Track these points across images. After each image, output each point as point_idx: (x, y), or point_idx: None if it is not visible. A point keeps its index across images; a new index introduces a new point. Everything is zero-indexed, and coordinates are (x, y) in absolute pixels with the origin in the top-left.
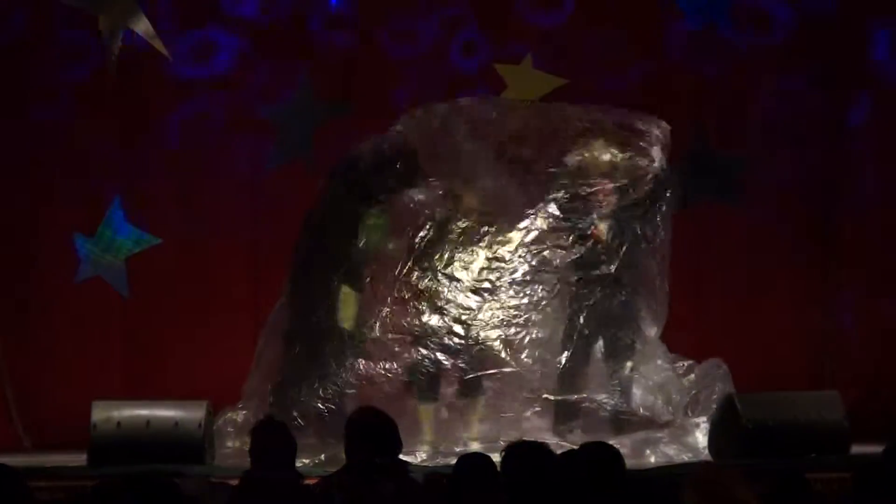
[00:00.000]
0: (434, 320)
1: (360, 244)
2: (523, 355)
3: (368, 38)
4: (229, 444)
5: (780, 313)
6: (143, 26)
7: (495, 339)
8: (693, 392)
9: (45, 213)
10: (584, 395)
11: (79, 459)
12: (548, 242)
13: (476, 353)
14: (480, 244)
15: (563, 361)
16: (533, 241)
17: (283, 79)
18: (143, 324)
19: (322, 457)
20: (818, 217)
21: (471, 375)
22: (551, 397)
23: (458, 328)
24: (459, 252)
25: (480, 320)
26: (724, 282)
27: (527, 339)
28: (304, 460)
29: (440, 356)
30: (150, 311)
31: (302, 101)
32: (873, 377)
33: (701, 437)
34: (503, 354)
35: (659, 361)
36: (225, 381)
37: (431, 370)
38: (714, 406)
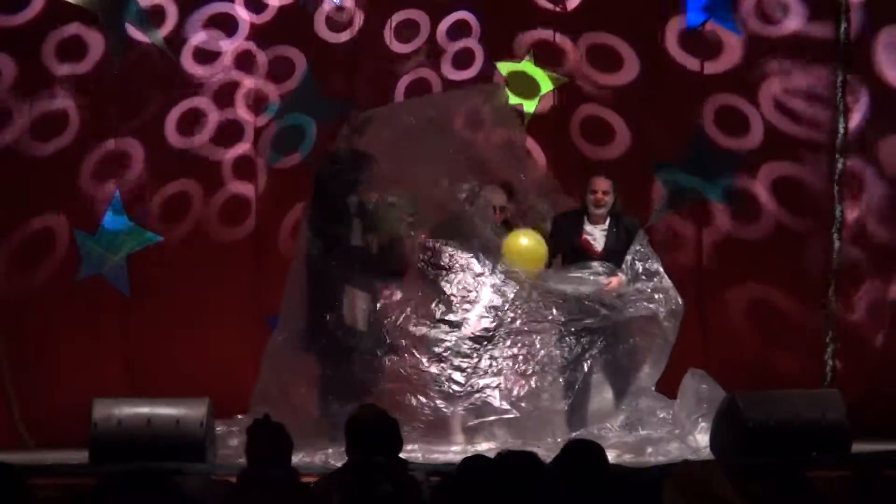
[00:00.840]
0: (433, 368)
1: (357, 241)
2: (523, 403)
3: (371, 34)
4: (231, 442)
5: (781, 311)
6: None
7: (495, 388)
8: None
9: (46, 211)
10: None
11: (80, 457)
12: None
13: (475, 401)
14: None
15: (566, 406)
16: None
17: (285, 74)
18: (144, 321)
19: (325, 454)
20: (819, 213)
21: (472, 422)
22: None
23: (457, 376)
24: (456, 300)
25: (480, 368)
26: (723, 280)
27: (525, 388)
28: (305, 458)
29: (440, 403)
30: (151, 308)
31: (304, 98)
32: (874, 376)
33: (701, 437)
34: (502, 403)
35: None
36: (226, 378)
37: (431, 417)
38: (706, 406)
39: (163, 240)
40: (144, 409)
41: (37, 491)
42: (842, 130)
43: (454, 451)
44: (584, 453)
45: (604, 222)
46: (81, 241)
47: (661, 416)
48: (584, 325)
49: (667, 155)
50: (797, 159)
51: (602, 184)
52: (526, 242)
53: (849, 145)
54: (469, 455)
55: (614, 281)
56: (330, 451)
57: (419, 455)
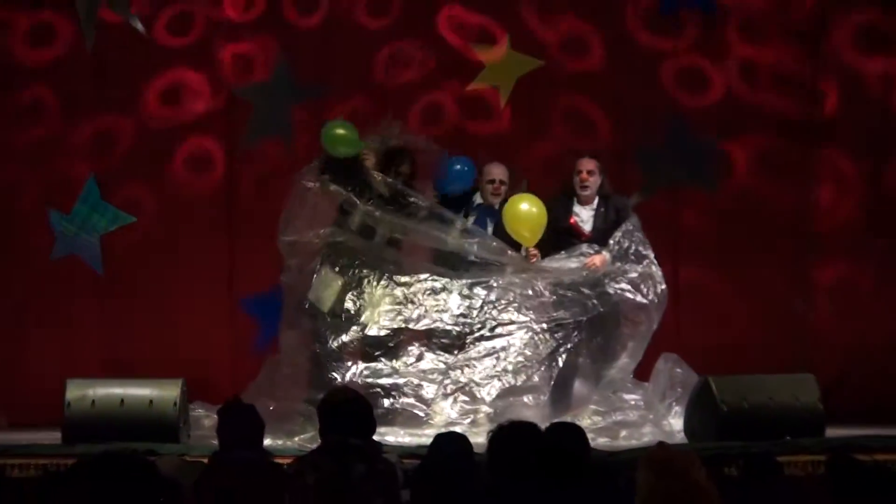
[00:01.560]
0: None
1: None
2: (500, 401)
3: (345, 16)
4: (206, 423)
5: (755, 297)
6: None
7: (467, 387)
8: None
9: (20, 191)
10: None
11: (53, 437)
12: (513, 296)
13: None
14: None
15: (544, 398)
16: (497, 298)
17: (260, 56)
18: (118, 302)
19: (301, 437)
20: (793, 200)
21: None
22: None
23: (427, 385)
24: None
25: (452, 376)
26: (700, 266)
27: (498, 386)
28: (278, 441)
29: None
30: (125, 289)
31: (278, 80)
32: (848, 360)
33: (675, 421)
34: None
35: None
36: (201, 359)
37: (409, 412)
38: (680, 389)
39: (136, 220)
40: (118, 390)
41: (10, 471)
42: (819, 112)
43: (426, 435)
44: (566, 436)
45: (592, 203)
46: (55, 221)
47: (635, 400)
48: (565, 319)
49: (644, 139)
50: (773, 140)
51: (587, 164)
52: (526, 207)
53: (823, 126)
54: (442, 432)
55: (597, 259)
56: (307, 435)
57: (390, 438)
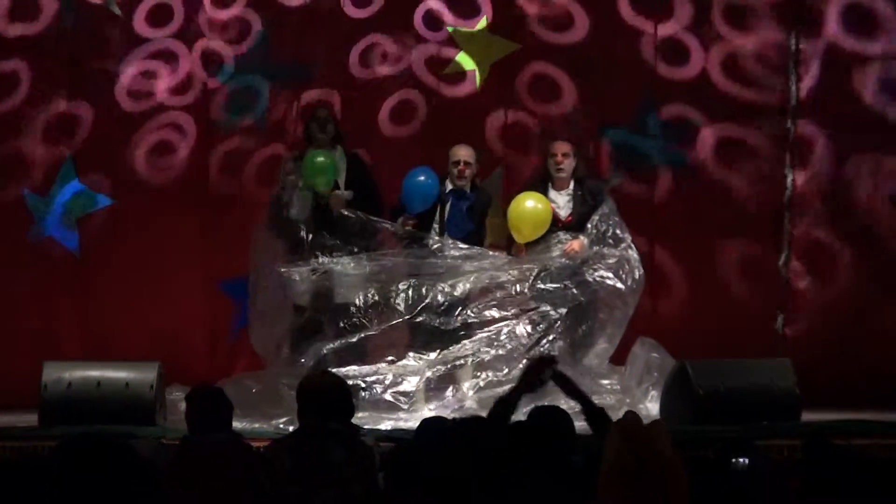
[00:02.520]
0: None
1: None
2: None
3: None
4: (183, 407)
5: (732, 280)
6: None
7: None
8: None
9: None
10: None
11: (29, 419)
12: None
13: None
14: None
15: None
16: (478, 294)
17: (238, 38)
18: (94, 284)
19: (278, 420)
20: (772, 180)
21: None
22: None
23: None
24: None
25: (432, 372)
26: (676, 248)
27: (482, 377)
28: (255, 424)
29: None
30: (101, 271)
31: (255, 61)
32: (825, 345)
33: (652, 405)
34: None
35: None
36: (177, 341)
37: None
38: (657, 374)
39: (114, 202)
40: (94, 373)
41: None
42: (793, 94)
43: (402, 419)
44: (548, 418)
45: (568, 188)
46: (32, 204)
47: (611, 384)
48: (546, 311)
49: (616, 117)
50: (748, 123)
51: (562, 146)
52: (531, 205)
53: (800, 109)
54: (428, 417)
55: (575, 244)
56: (285, 418)
57: (368, 422)
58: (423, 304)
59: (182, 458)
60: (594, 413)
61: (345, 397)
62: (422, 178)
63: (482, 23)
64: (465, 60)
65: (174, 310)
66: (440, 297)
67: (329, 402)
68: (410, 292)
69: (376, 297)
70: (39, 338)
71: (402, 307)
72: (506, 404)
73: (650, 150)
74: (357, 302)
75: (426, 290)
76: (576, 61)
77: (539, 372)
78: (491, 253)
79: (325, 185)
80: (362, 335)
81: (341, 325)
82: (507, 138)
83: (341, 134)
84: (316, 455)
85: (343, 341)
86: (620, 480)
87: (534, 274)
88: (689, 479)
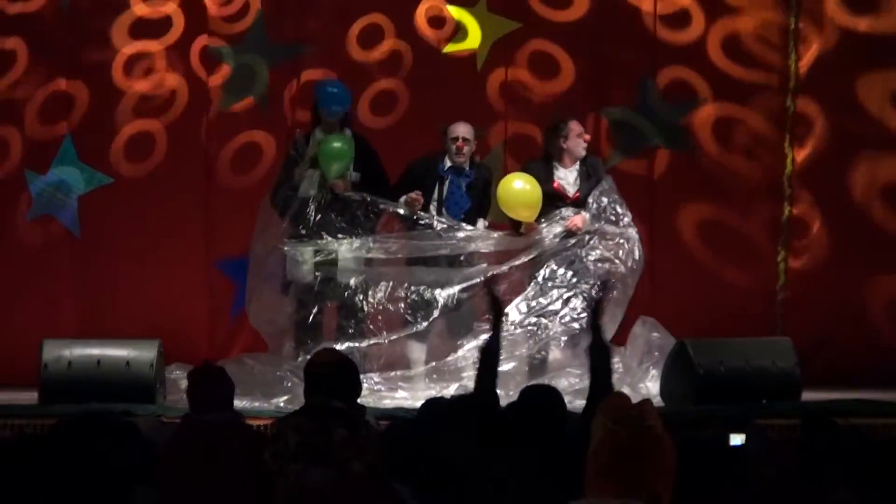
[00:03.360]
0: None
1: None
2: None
3: None
4: (183, 385)
5: (732, 261)
6: None
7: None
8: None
9: None
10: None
11: (29, 398)
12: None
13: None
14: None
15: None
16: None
17: (236, 17)
18: (94, 262)
19: (278, 399)
20: (772, 166)
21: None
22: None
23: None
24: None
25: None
26: (676, 230)
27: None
28: (255, 402)
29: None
30: (101, 249)
31: (255, 41)
32: (825, 324)
33: (652, 385)
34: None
35: None
36: (177, 319)
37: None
38: (657, 354)
39: (113, 181)
40: (94, 351)
41: None
42: (793, 74)
43: (403, 398)
44: (540, 398)
45: (575, 164)
46: (32, 181)
47: (612, 363)
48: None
49: (616, 97)
50: (748, 103)
51: (578, 126)
52: (520, 185)
53: (799, 89)
54: (431, 397)
55: (578, 219)
56: (285, 397)
57: (369, 400)
58: (433, 315)
59: (182, 436)
60: (599, 347)
61: (351, 376)
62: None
63: (481, 1)
64: (464, 41)
65: (174, 288)
66: (445, 300)
67: (335, 380)
68: (418, 299)
69: (383, 301)
70: (39, 316)
71: (411, 316)
72: (489, 350)
73: (649, 129)
74: (354, 284)
75: (436, 296)
76: (575, 39)
77: (493, 295)
78: (494, 234)
79: (338, 173)
80: (370, 343)
81: (346, 325)
82: (509, 111)
83: (349, 115)
84: (320, 433)
85: (349, 345)
86: (612, 458)
87: (533, 257)
88: (680, 457)
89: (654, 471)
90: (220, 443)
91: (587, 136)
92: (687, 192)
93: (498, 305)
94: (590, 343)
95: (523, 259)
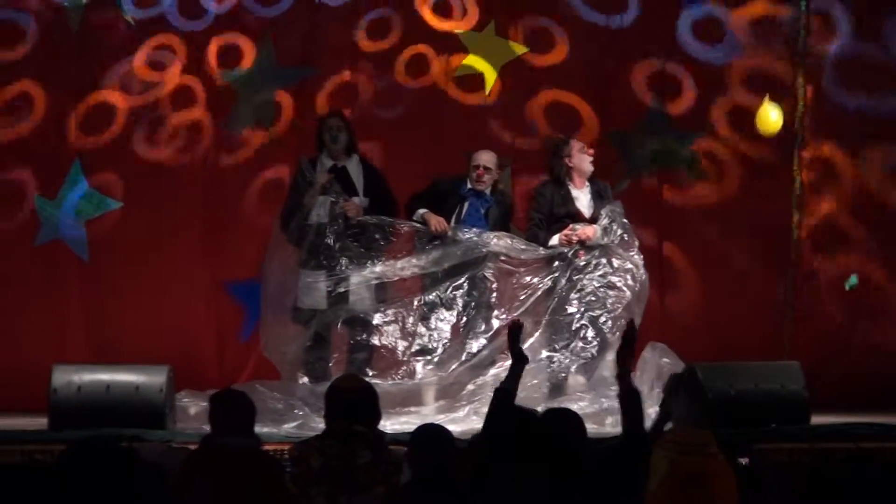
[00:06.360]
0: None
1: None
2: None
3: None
4: (191, 411)
5: (740, 283)
6: None
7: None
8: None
9: (5, 176)
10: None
11: (39, 423)
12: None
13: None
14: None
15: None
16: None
17: (245, 42)
18: (103, 287)
19: (291, 426)
20: (779, 188)
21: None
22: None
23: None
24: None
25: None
26: (684, 252)
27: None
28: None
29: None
30: (109, 274)
31: (263, 65)
32: (833, 347)
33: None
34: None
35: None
36: (186, 345)
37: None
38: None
39: (122, 206)
40: (104, 376)
41: None
42: (801, 109)
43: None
44: (561, 421)
45: (586, 185)
46: (40, 206)
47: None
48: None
49: (623, 121)
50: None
51: (579, 142)
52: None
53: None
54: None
55: (589, 230)
56: (295, 423)
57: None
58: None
59: (201, 458)
60: (629, 393)
61: (371, 402)
62: None
63: (489, 26)
64: (476, 62)
65: (183, 313)
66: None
67: (356, 405)
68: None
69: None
70: (49, 341)
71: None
72: (505, 391)
73: (661, 153)
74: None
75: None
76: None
77: (516, 343)
78: (509, 238)
79: None
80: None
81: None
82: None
83: (356, 141)
84: (343, 457)
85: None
86: (680, 488)
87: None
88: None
89: (721, 497)
90: (239, 467)
91: (591, 150)
92: (696, 214)
93: (520, 352)
94: (619, 391)
95: (538, 285)
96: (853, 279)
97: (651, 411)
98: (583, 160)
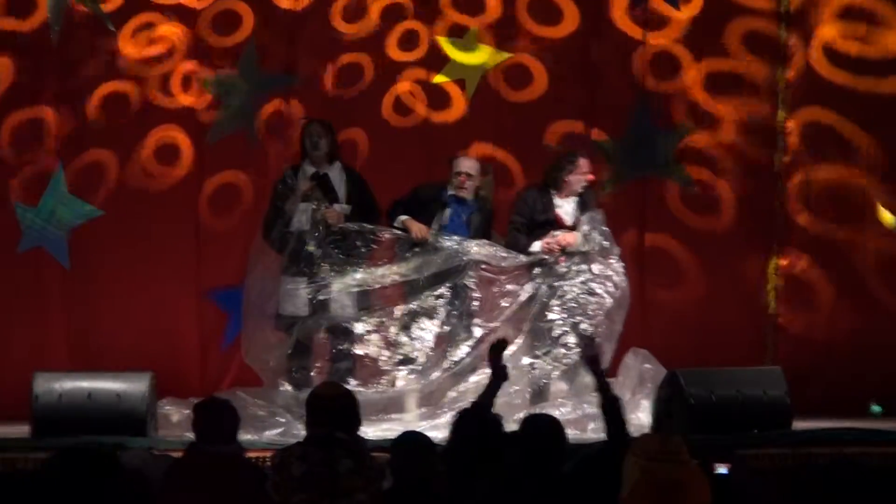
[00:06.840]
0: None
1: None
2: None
3: (314, 9)
4: (173, 419)
5: (723, 289)
6: None
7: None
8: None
9: None
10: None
11: (20, 431)
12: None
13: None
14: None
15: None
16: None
17: (227, 50)
18: (85, 295)
19: (274, 433)
20: (762, 192)
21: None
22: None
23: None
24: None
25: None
26: (666, 257)
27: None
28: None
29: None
30: (91, 282)
31: (245, 73)
32: (816, 353)
33: (644, 416)
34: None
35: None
36: (169, 352)
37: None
38: (650, 385)
39: (103, 213)
40: (86, 384)
41: None
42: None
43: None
44: (542, 427)
45: (573, 195)
46: (21, 214)
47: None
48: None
49: (608, 129)
50: (741, 136)
51: (587, 164)
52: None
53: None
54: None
55: (570, 236)
56: (277, 430)
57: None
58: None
59: (186, 466)
60: (610, 402)
61: (352, 409)
62: None
63: (470, 32)
64: (454, 71)
65: (165, 320)
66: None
67: (337, 412)
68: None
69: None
70: (30, 349)
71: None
72: (479, 405)
73: (643, 162)
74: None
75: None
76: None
77: (498, 359)
78: (490, 246)
79: None
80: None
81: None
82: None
83: (339, 147)
84: (324, 464)
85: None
86: (652, 496)
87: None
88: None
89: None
90: (224, 475)
91: (591, 177)
92: (677, 222)
93: (501, 370)
94: (600, 401)
95: (519, 293)
96: (877, 408)
97: (633, 416)
98: (579, 181)
